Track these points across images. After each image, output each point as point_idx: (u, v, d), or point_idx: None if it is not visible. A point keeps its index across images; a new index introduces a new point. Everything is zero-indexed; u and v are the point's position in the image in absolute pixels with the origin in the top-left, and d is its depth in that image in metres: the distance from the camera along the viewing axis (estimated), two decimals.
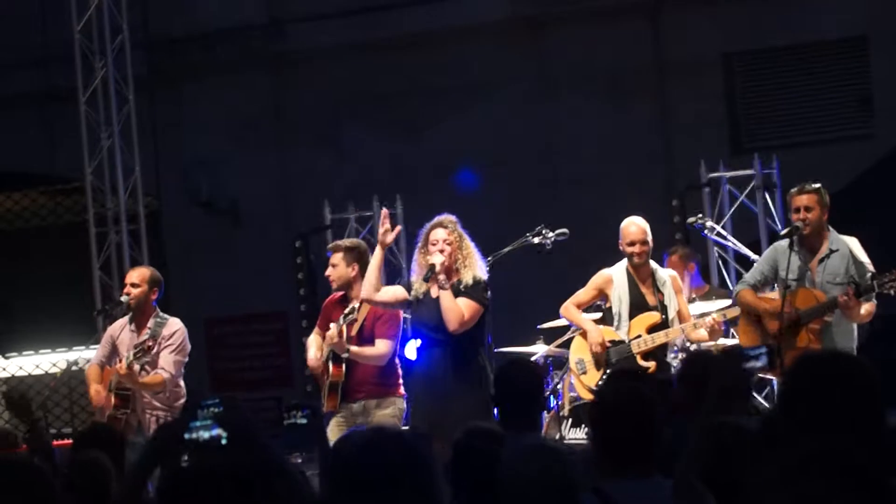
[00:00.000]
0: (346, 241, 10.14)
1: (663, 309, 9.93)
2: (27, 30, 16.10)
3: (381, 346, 9.55)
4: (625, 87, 14.95)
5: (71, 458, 5.93)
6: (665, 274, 10.09)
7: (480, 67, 15.43)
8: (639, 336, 9.90)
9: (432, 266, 9.18)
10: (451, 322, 9.14)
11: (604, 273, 10.08)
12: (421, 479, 3.80)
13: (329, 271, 9.84)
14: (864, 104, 14.77)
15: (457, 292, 9.22)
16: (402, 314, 9.79)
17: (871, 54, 14.65)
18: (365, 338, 9.58)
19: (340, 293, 9.85)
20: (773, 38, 14.83)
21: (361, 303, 9.54)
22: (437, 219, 9.48)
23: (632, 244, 9.93)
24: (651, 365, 9.79)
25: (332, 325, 9.51)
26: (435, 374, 9.25)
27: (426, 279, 9.23)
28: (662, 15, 15.12)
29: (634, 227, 9.99)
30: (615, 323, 9.96)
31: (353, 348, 9.50)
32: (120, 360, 9.74)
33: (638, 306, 9.95)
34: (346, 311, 9.48)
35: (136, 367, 9.63)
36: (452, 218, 9.44)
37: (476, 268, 9.37)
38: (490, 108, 15.31)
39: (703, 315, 10.17)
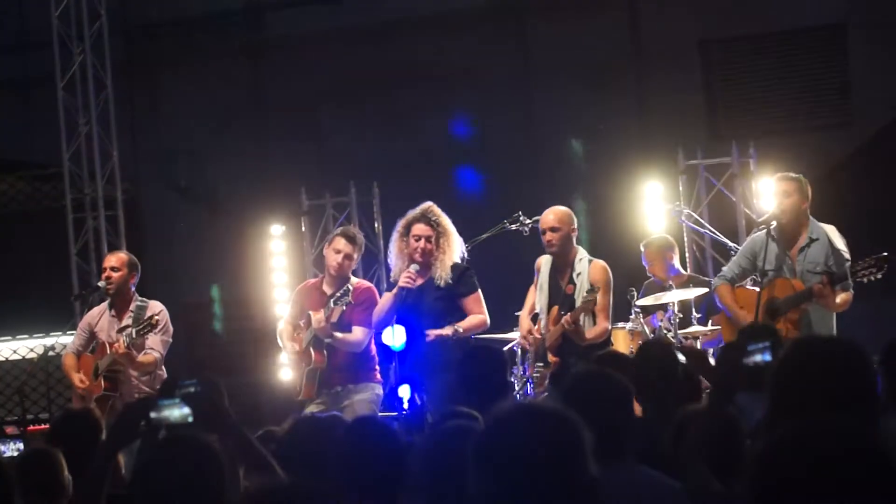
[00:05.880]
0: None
1: (570, 302, 9.65)
2: (5, 15, 16.04)
3: (359, 334, 9.56)
4: (603, 75, 14.93)
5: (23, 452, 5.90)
6: (584, 265, 9.71)
7: (460, 55, 15.40)
8: (549, 331, 9.76)
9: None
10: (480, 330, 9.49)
11: (540, 259, 9.92)
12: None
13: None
14: (843, 92, 14.78)
15: (457, 295, 9.36)
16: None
17: (849, 42, 14.66)
18: (343, 324, 9.56)
19: (316, 279, 9.89)
20: (751, 26, 14.83)
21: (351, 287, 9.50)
22: (420, 208, 9.43)
23: (543, 233, 9.73)
24: (555, 360, 9.64)
25: (322, 309, 9.45)
26: (437, 361, 9.24)
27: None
28: (641, 3, 15.12)
29: (550, 214, 9.73)
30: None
31: (337, 334, 9.48)
32: (102, 344, 9.82)
33: (554, 297, 9.77)
34: (340, 293, 9.42)
35: (122, 342, 9.68)
36: (436, 210, 9.40)
37: (452, 257, 9.34)
38: (469, 96, 15.28)
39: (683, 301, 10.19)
